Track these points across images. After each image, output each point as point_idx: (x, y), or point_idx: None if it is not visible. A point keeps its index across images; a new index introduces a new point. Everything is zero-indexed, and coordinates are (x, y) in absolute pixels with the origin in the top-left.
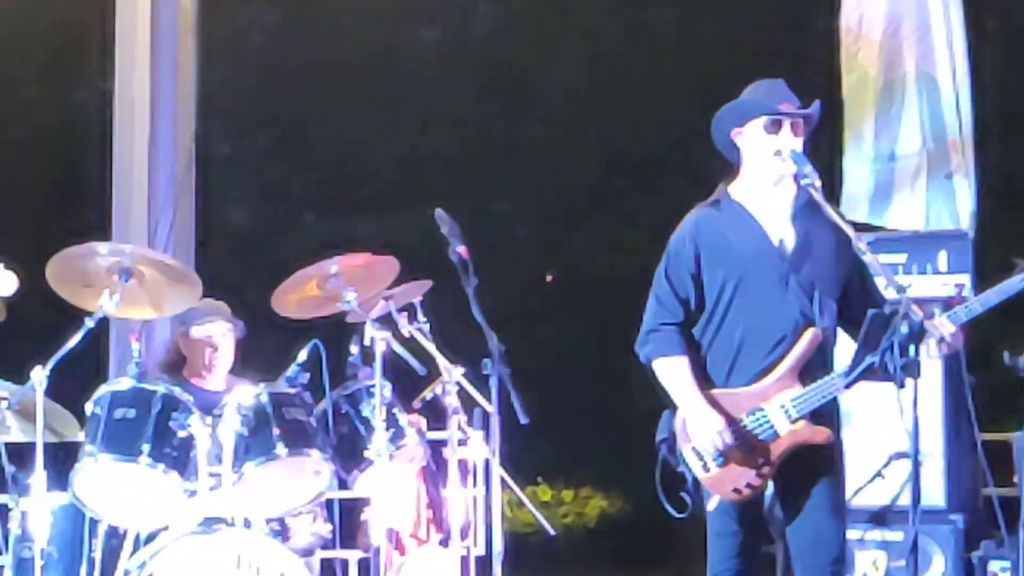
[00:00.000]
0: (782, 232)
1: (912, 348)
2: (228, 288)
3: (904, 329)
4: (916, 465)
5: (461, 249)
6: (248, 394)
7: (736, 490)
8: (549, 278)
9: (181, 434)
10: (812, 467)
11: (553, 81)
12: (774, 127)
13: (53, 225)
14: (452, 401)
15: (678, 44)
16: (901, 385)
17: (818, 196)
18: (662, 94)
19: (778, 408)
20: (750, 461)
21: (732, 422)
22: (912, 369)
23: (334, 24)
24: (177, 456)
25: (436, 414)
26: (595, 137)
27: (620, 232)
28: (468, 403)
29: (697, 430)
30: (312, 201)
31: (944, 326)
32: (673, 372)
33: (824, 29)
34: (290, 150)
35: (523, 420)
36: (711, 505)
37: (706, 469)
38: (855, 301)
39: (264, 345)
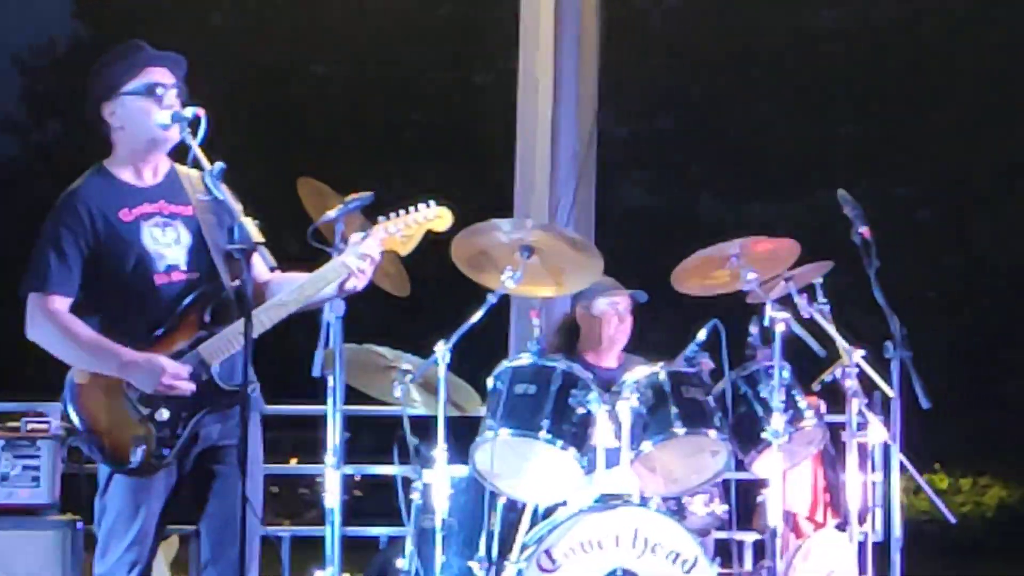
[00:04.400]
0: None
1: None
2: (625, 267)
3: None
4: None
5: (864, 231)
6: (646, 373)
7: None
8: None
9: (580, 411)
10: None
11: (959, 65)
12: None
13: (456, 204)
14: (851, 384)
15: None
16: None
17: None
18: None
19: None
20: None
21: None
22: None
23: (736, 6)
24: (576, 432)
25: (835, 397)
26: (1002, 122)
27: None
28: (867, 386)
29: None
30: (710, 183)
31: None
32: None
33: None
34: (690, 132)
35: (925, 405)
36: None
37: None
38: None
39: (662, 324)
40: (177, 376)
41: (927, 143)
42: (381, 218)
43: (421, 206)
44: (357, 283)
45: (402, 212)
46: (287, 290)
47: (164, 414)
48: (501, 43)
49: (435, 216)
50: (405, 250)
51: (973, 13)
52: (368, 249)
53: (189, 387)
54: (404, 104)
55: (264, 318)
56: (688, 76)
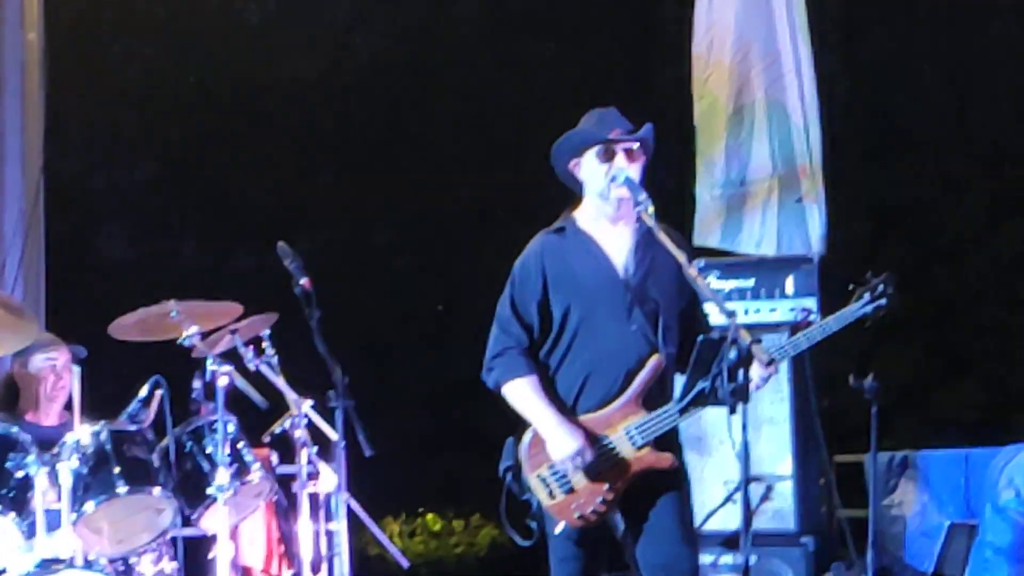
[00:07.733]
0: (625, 259)
1: (741, 373)
2: (96, 320)
3: (732, 354)
4: (746, 490)
5: (304, 282)
6: (88, 432)
7: (581, 516)
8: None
9: (18, 474)
10: (658, 493)
11: (430, 112)
12: (607, 155)
13: None
14: (300, 434)
15: (552, 74)
16: (732, 410)
17: (651, 222)
18: (539, 123)
19: (623, 435)
20: (595, 488)
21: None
22: (741, 394)
23: (211, 56)
24: (14, 497)
25: (288, 448)
26: (475, 167)
27: (500, 263)
28: (319, 436)
29: (556, 447)
30: (192, 232)
31: (760, 356)
32: (523, 393)
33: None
34: (170, 181)
35: (367, 452)
36: (556, 530)
37: (551, 496)
38: (686, 327)
39: (106, 381)
40: None
41: (405, 190)
42: None
43: None
44: None
45: None
46: None
47: None
48: None
49: None
50: None
51: (449, 61)
52: None
53: None
54: None
55: None
56: (168, 124)
